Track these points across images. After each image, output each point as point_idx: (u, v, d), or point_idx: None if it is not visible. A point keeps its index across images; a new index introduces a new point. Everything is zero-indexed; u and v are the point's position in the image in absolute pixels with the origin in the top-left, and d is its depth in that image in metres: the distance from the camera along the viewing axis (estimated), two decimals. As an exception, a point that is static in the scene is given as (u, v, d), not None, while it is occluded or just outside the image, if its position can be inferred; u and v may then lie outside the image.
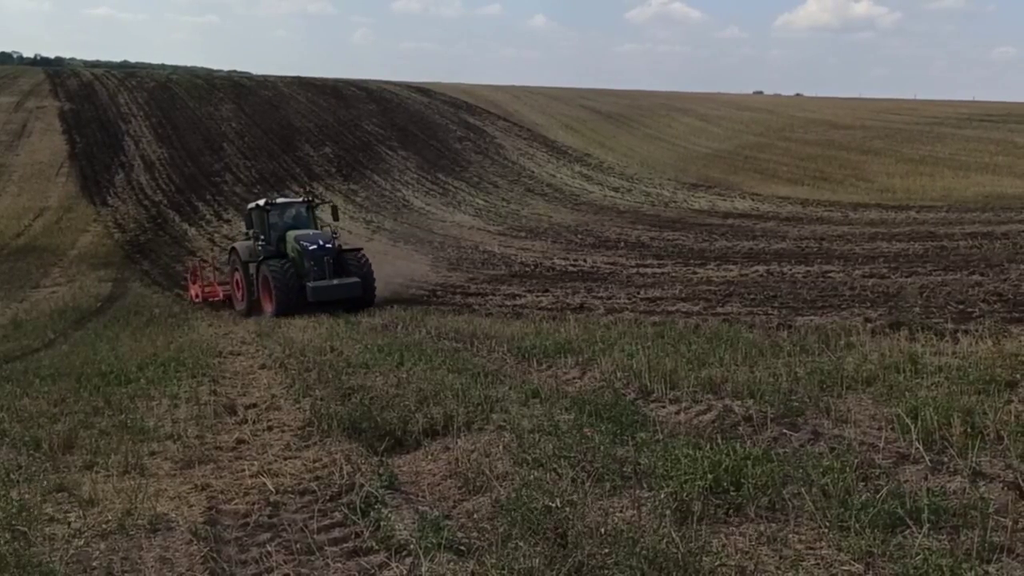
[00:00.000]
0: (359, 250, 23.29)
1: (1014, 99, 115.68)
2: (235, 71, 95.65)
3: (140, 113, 59.36)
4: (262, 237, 23.52)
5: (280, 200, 25.07)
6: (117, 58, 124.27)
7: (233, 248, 25.31)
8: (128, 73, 76.65)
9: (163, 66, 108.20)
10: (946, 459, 5.85)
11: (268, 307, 22.25)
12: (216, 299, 26.03)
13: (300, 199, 25.72)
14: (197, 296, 26.64)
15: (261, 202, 24.26)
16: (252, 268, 23.23)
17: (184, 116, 59.48)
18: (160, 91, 65.48)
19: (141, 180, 47.74)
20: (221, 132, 56.55)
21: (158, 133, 55.49)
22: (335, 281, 21.63)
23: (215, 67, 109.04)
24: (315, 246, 21.99)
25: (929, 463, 5.79)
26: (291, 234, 22.82)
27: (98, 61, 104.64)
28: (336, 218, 24.83)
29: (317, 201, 26.41)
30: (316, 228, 24.16)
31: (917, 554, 4.41)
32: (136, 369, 13.05)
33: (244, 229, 25.97)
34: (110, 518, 6.19)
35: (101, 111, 59.27)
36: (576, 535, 4.97)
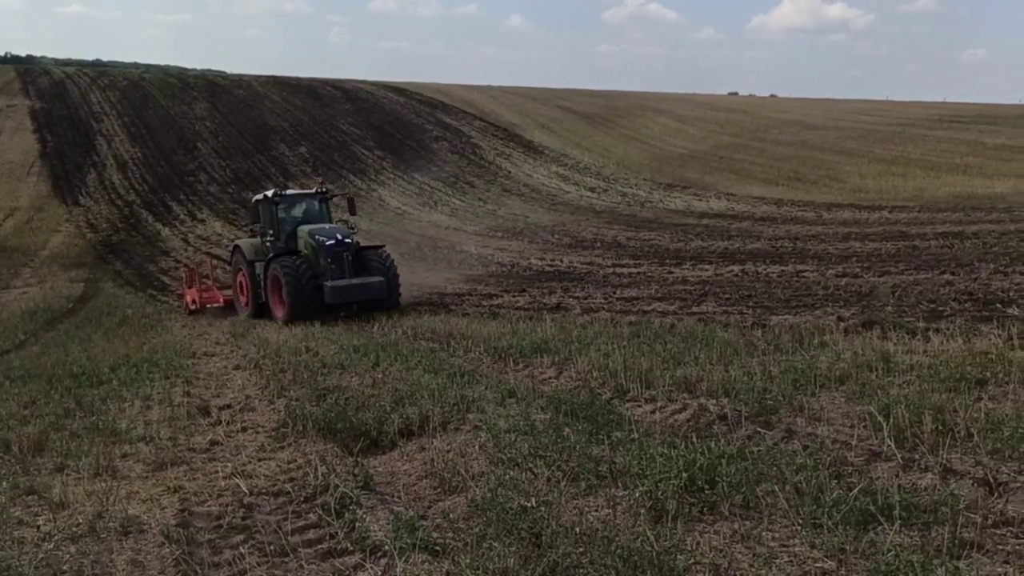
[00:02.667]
0: (381, 247, 21.13)
1: (984, 100, 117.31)
2: (209, 70, 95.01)
3: (112, 112, 58.78)
4: (270, 232, 21.08)
5: (290, 191, 22.75)
6: (89, 56, 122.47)
7: (236, 245, 22.86)
8: (100, 71, 75.84)
9: (136, 65, 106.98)
10: (917, 456, 5.91)
11: (279, 311, 19.85)
12: (216, 305, 23.37)
13: (312, 190, 22.67)
14: (194, 303, 23.79)
15: (269, 193, 21.68)
16: (259, 268, 20.96)
17: (157, 115, 58.97)
18: (133, 90, 64.90)
19: (114, 180, 47.28)
20: (195, 131, 56.13)
21: (131, 132, 54.97)
22: (356, 280, 19.32)
23: (189, 66, 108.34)
24: (333, 241, 19.65)
25: (901, 460, 5.85)
26: (304, 229, 20.51)
27: (70, 59, 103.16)
28: (353, 212, 22.52)
29: (332, 192, 24.04)
30: (331, 222, 21.79)
31: (889, 550, 4.44)
32: (108, 370, 12.90)
33: (249, 224, 23.40)
34: (81, 521, 6.12)
35: (73, 110, 58.65)
36: (551, 534, 4.97)
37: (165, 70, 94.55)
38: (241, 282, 22.15)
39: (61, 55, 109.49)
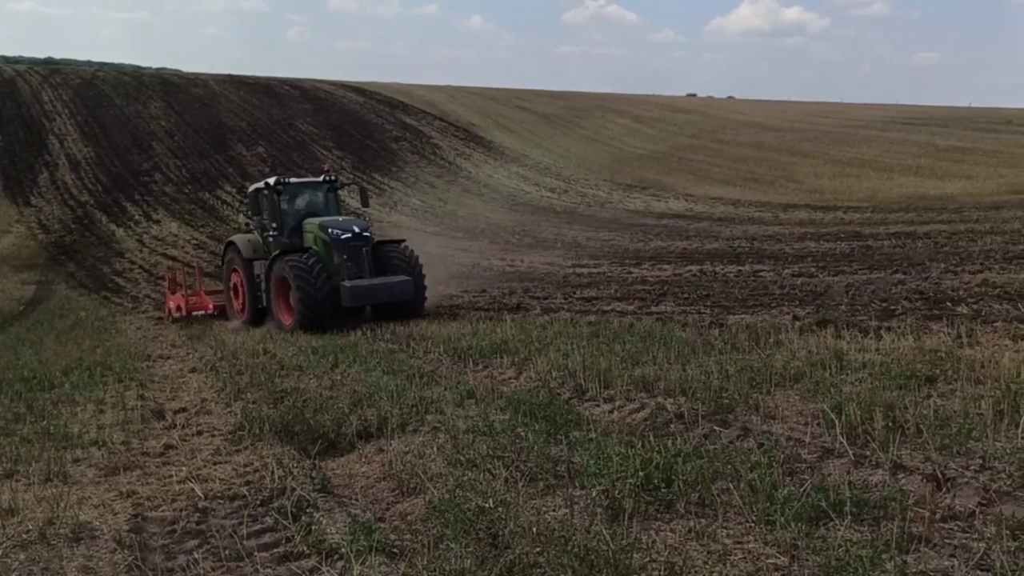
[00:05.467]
0: (402, 241, 18.86)
1: (935, 103, 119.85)
2: (165, 68, 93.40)
3: (65, 111, 57.59)
4: (273, 226, 18.57)
5: (294, 180, 19.84)
6: (41, 54, 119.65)
7: (230, 242, 20.23)
8: (52, 69, 74.18)
9: (89, 62, 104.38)
10: (868, 453, 6.01)
11: (286, 317, 17.51)
12: (205, 312, 21.00)
13: (320, 178, 19.52)
14: (179, 310, 21.27)
15: (271, 181, 18.89)
16: (259, 268, 18.62)
17: (111, 114, 57.88)
18: (86, 88, 63.63)
19: (66, 180, 46.35)
20: (150, 131, 55.17)
21: (84, 131, 53.92)
22: (377, 280, 17.10)
23: (144, 64, 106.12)
24: (349, 235, 17.30)
25: (852, 457, 5.95)
26: (312, 222, 18.06)
27: (20, 57, 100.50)
28: (366, 204, 19.96)
29: (341, 181, 20.95)
30: (340, 214, 19.40)
31: (839, 546, 4.52)
32: (60, 374, 12.69)
33: (244, 219, 21.47)
34: (31, 527, 6.00)
35: (24, 108, 57.32)
36: (508, 534, 4.98)
37: (119, 68, 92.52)
38: (236, 284, 19.75)
39: (11, 52, 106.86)
